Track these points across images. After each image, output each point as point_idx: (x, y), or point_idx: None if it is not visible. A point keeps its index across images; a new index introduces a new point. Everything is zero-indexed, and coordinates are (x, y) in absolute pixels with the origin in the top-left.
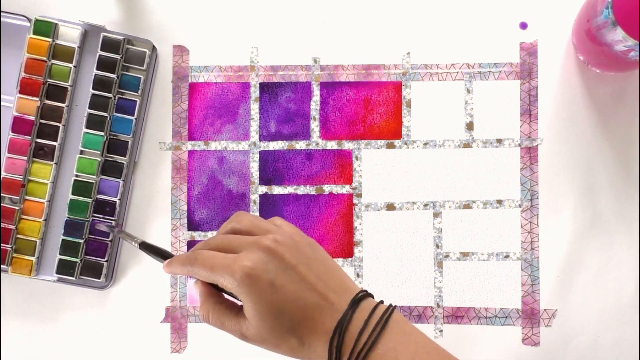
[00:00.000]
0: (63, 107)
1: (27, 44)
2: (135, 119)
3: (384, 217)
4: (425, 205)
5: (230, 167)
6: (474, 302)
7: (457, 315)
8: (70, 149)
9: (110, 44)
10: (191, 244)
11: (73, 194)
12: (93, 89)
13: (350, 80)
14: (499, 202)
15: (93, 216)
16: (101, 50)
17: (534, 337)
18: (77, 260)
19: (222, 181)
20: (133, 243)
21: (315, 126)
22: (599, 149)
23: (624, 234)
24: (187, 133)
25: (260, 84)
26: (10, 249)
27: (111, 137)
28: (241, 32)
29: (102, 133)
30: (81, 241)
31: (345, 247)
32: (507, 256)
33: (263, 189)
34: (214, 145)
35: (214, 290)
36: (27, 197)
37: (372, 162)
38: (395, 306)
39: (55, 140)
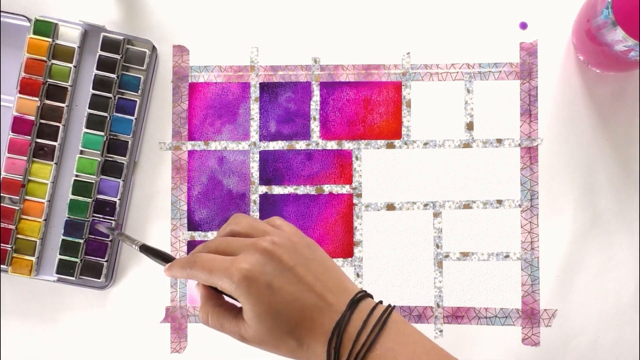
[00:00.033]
0: (63, 107)
1: (27, 44)
2: (135, 119)
3: (384, 217)
4: (425, 205)
5: (230, 167)
6: (474, 302)
7: (457, 315)
8: (70, 149)
9: (110, 44)
10: (191, 243)
11: (73, 194)
12: (93, 89)
13: (350, 80)
14: (499, 202)
15: (93, 216)
16: (101, 50)
17: (534, 337)
18: (77, 260)
19: (222, 181)
20: (134, 246)
21: (315, 126)
22: (599, 149)
23: (624, 234)
24: (187, 133)
25: (260, 84)
26: (10, 249)
27: (111, 137)
28: (241, 32)
29: (102, 133)
30: (81, 241)
31: (345, 247)
32: (507, 256)
33: (263, 189)
34: (214, 145)
35: (213, 293)
36: (27, 197)
37: (372, 162)
38: (394, 306)
39: (55, 140)
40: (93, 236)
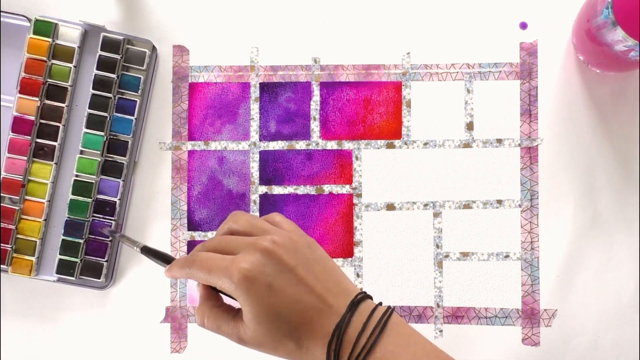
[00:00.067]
0: (63, 107)
1: (27, 44)
2: (135, 119)
3: (384, 217)
4: (425, 205)
5: (230, 167)
6: (474, 302)
7: (457, 315)
8: (70, 149)
9: (110, 44)
10: (191, 243)
11: (73, 194)
12: (93, 89)
13: (350, 80)
14: (499, 202)
15: (93, 216)
16: (101, 50)
17: (534, 337)
18: (77, 260)
19: (222, 181)
20: (135, 248)
21: (315, 126)
22: (599, 149)
23: (624, 234)
24: (187, 133)
25: (260, 84)
26: (10, 249)
27: (111, 137)
28: (241, 32)
29: (102, 133)
30: (81, 241)
31: (345, 247)
32: (507, 256)
33: (263, 189)
34: (214, 145)
35: (212, 293)
36: (27, 197)
37: (372, 162)
38: (394, 308)
39: (55, 140)
40: (93, 236)
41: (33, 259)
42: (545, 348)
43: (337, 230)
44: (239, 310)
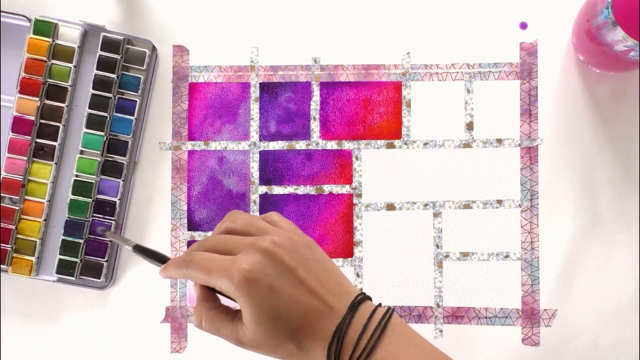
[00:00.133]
0: (63, 107)
1: (27, 44)
2: (135, 119)
3: (384, 217)
4: (425, 205)
5: (230, 167)
6: (474, 302)
7: (457, 315)
8: (70, 149)
9: (110, 44)
10: (191, 243)
11: (73, 194)
12: (93, 89)
13: (350, 80)
14: (499, 202)
15: (93, 216)
16: (101, 50)
17: (534, 337)
18: (77, 260)
19: (222, 181)
20: (127, 246)
21: (315, 126)
22: (599, 149)
23: (624, 234)
24: (187, 133)
25: (260, 84)
26: (10, 249)
27: (111, 137)
28: (241, 32)
29: (102, 133)
30: (81, 241)
31: (345, 247)
32: (507, 256)
33: (263, 189)
34: (214, 145)
35: (209, 294)
36: (27, 197)
37: (372, 162)
38: (394, 309)
39: (55, 140)
40: (93, 236)
41: (33, 259)
42: (545, 348)
43: (337, 230)
44: (238, 311)
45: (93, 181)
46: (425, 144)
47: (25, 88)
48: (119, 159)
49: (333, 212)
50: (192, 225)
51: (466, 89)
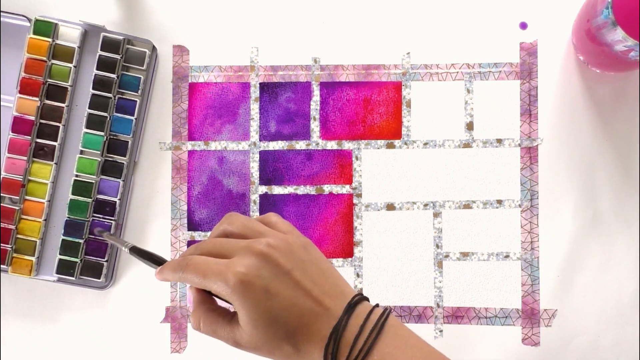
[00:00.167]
0: (63, 107)
1: (27, 44)
2: (135, 119)
3: (384, 217)
4: (425, 205)
5: (230, 167)
6: (474, 302)
7: (457, 315)
8: (70, 149)
9: (110, 44)
10: (191, 244)
11: (73, 194)
12: (93, 89)
13: (350, 80)
14: (499, 202)
15: (93, 216)
16: (101, 50)
17: (534, 337)
18: (77, 260)
19: (222, 181)
20: (124, 248)
21: (315, 126)
22: (599, 149)
23: (624, 234)
24: (187, 133)
25: (260, 84)
26: (10, 249)
27: (111, 137)
28: (241, 32)
29: (102, 133)
30: (81, 241)
31: (345, 247)
32: (507, 256)
33: (263, 189)
34: (214, 145)
35: (206, 297)
36: (27, 197)
37: (372, 162)
38: (390, 310)
39: (55, 140)
40: (93, 236)
41: (33, 259)
42: (545, 348)
43: (337, 230)
44: (235, 313)
45: (93, 181)
46: (425, 144)
47: (25, 88)
48: (119, 159)
49: (333, 212)
50: (192, 225)
51: (466, 89)
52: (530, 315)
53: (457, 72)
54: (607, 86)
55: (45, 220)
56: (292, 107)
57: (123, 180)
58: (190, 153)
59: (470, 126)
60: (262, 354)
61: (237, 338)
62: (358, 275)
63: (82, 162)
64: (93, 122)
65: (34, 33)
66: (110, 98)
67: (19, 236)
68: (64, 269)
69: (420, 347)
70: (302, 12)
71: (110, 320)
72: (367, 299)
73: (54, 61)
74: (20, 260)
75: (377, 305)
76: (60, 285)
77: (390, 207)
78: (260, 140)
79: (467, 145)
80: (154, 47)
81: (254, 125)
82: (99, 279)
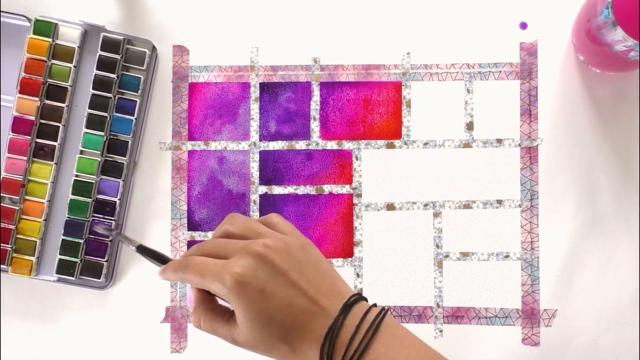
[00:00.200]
0: (63, 107)
1: (27, 44)
2: (135, 119)
3: (384, 217)
4: (425, 205)
5: (230, 167)
6: (474, 302)
7: (457, 315)
8: (70, 149)
9: (110, 44)
10: (191, 243)
11: (73, 194)
12: (93, 89)
13: (350, 80)
14: (499, 202)
15: (93, 216)
16: (101, 50)
17: (534, 337)
18: (77, 260)
19: (222, 181)
20: (131, 246)
21: (315, 126)
22: (599, 149)
23: (624, 234)
24: (187, 133)
25: (260, 84)
26: (10, 249)
27: (111, 137)
28: (241, 32)
29: (102, 133)
30: (81, 241)
31: (345, 247)
32: (507, 256)
33: (263, 189)
34: (214, 145)
35: (206, 296)
36: (27, 197)
37: (372, 162)
38: (387, 310)
39: (55, 140)
40: (93, 236)
41: (33, 259)
42: (545, 348)
43: (337, 230)
44: (233, 312)
45: (93, 181)
46: (425, 144)
47: (25, 88)
48: (119, 159)
49: (333, 212)
50: (192, 225)
51: (466, 89)
52: (530, 315)
53: (457, 72)
54: (607, 86)
55: (45, 220)
56: (292, 107)
57: (123, 180)
58: (190, 153)
59: (470, 126)
60: (259, 352)
61: (235, 337)
62: (358, 275)
63: (82, 162)
64: (93, 122)
65: (34, 33)
66: (110, 98)
67: (19, 236)
68: (64, 269)
69: (417, 347)
70: (302, 12)
71: (110, 320)
72: (365, 299)
73: (54, 61)
74: (20, 260)
75: (374, 305)
76: (60, 285)
77: (390, 207)
78: (260, 140)
79: (467, 145)
80: (154, 47)
81: (254, 125)
82: (99, 279)
